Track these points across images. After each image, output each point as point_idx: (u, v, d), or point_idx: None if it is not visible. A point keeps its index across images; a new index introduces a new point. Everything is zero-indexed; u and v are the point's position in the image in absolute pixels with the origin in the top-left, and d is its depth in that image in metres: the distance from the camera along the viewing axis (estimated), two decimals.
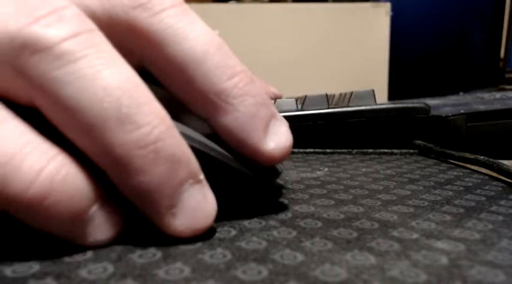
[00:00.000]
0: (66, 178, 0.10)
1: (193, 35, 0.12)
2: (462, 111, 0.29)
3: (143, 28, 0.12)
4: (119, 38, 0.12)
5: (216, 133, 0.13)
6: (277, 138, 0.13)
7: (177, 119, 0.12)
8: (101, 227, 0.11)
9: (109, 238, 0.11)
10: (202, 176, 0.11)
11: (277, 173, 0.14)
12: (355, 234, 0.12)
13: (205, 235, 0.11)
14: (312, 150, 0.29)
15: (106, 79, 0.10)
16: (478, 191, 0.17)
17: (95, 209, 0.10)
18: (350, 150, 0.28)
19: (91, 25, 0.11)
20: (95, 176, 0.11)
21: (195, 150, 0.11)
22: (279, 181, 0.19)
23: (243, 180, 0.13)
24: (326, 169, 0.22)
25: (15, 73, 0.10)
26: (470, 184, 0.18)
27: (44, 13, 0.10)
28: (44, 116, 0.10)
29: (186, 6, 0.12)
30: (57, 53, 0.10)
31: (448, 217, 0.13)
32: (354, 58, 0.93)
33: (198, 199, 0.11)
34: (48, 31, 0.10)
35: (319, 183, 0.18)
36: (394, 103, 0.30)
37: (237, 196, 0.14)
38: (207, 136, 0.13)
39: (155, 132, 0.10)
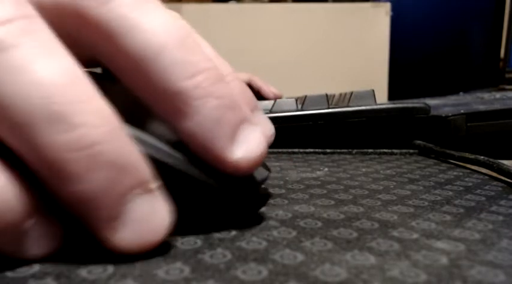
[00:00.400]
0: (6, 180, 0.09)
1: (148, 26, 0.11)
2: (462, 111, 0.29)
3: (92, 18, 0.10)
4: (67, 29, 0.11)
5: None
6: (245, 146, 0.11)
7: (142, 123, 0.11)
8: (38, 241, 0.10)
9: (47, 253, 0.10)
10: (153, 185, 0.10)
11: (255, 183, 0.13)
12: (355, 234, 0.12)
13: (205, 234, 0.11)
14: (312, 150, 0.29)
15: (38, 73, 0.09)
16: (478, 191, 0.17)
17: (31, 223, 0.09)
18: (350, 150, 0.28)
19: (28, 10, 0.10)
20: (33, 184, 0.09)
21: (151, 157, 0.10)
22: (279, 181, 0.19)
23: (208, 191, 0.12)
24: (326, 169, 0.22)
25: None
26: (470, 184, 0.18)
27: None
28: None
29: None
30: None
31: (448, 217, 0.13)
32: (354, 58, 0.93)
33: (146, 210, 0.10)
34: None
35: (319, 183, 0.18)
36: (394, 103, 0.30)
37: (204, 208, 0.12)
38: (176, 142, 0.11)
39: (93, 134, 0.09)
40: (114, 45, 0.11)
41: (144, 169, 0.10)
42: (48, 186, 0.09)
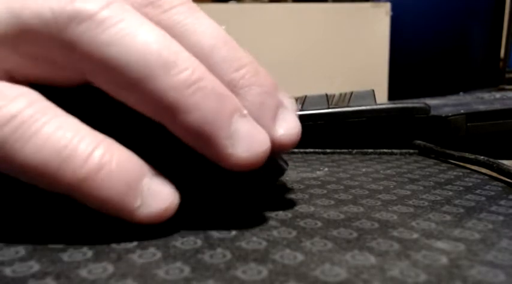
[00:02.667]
0: (115, 154, 0.11)
1: (200, 30, 0.13)
2: (462, 111, 0.29)
3: (158, 24, 0.12)
4: None
5: None
6: (286, 125, 0.13)
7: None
8: (156, 196, 0.11)
9: (165, 208, 0.11)
10: (246, 111, 0.12)
11: (282, 171, 0.14)
12: (355, 234, 0.12)
13: (205, 234, 0.11)
14: (312, 150, 0.29)
15: (144, 36, 0.11)
16: (478, 191, 0.17)
17: (147, 179, 0.11)
18: (350, 150, 0.28)
19: None
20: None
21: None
22: (279, 180, 0.19)
23: (247, 180, 0.13)
24: (326, 169, 0.22)
25: (64, 48, 0.11)
26: (470, 184, 0.18)
27: None
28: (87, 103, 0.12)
29: (193, 4, 0.13)
30: (99, 19, 0.11)
31: (448, 217, 0.13)
32: (354, 58, 0.93)
33: (250, 128, 0.12)
34: (88, 4, 0.11)
35: (319, 183, 0.18)
36: (394, 103, 0.30)
37: (228, 193, 0.14)
38: None
39: (196, 72, 0.11)
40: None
41: (234, 98, 0.12)
42: (170, 125, 0.11)
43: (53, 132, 0.10)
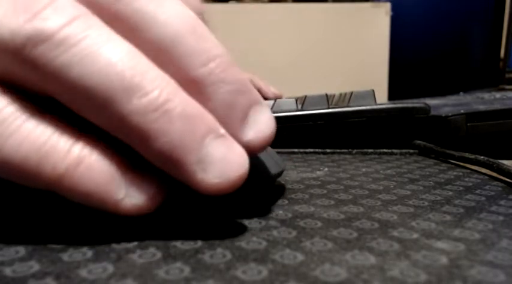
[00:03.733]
0: (94, 148, 0.11)
1: (163, 18, 0.11)
2: (462, 111, 0.29)
3: (116, 15, 0.11)
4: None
5: None
6: (256, 127, 0.12)
7: None
8: (139, 187, 0.11)
9: (149, 198, 0.11)
10: (223, 131, 0.11)
11: (271, 177, 0.14)
12: (355, 234, 0.12)
13: (205, 234, 0.11)
14: (312, 150, 0.29)
15: (107, 55, 0.10)
16: (478, 191, 0.17)
17: (130, 172, 0.11)
18: (350, 150, 0.28)
19: (84, 9, 0.11)
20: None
21: None
22: (279, 180, 0.19)
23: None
24: (326, 169, 0.22)
25: (25, 68, 0.10)
26: (470, 184, 0.18)
27: (39, 7, 0.10)
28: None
29: None
30: (59, 40, 0.10)
31: (448, 217, 0.13)
32: (354, 58, 0.93)
33: (224, 151, 0.11)
34: (48, 22, 0.10)
35: (319, 183, 0.18)
36: (394, 103, 0.30)
37: (220, 199, 0.13)
38: None
39: (164, 94, 0.10)
40: (134, 39, 0.11)
41: (210, 117, 0.11)
42: (138, 149, 0.11)
43: (32, 129, 0.10)
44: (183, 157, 0.10)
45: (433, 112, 0.30)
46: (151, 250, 0.10)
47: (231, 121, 0.12)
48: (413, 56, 1.03)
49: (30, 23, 0.10)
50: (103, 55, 0.10)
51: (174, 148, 0.10)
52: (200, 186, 0.11)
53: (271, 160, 0.15)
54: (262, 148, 0.12)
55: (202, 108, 0.11)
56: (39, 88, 0.11)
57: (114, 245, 0.11)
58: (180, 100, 0.11)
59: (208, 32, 0.12)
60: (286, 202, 0.15)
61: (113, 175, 0.11)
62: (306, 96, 0.32)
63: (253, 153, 0.12)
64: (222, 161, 0.11)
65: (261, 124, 0.12)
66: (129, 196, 0.11)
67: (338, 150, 0.28)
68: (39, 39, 0.10)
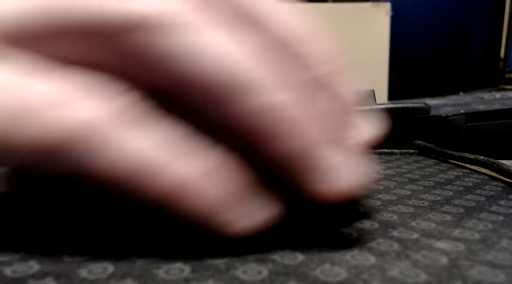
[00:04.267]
0: (209, 164, 0.10)
1: (282, 17, 0.11)
2: (462, 111, 0.29)
3: (233, 11, 0.11)
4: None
5: None
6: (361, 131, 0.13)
7: None
8: (258, 207, 0.10)
9: (255, 224, 0.10)
10: (339, 138, 0.11)
11: None
12: (355, 234, 0.11)
13: (205, 234, 0.11)
14: None
15: (225, 49, 0.09)
16: (478, 191, 0.17)
17: (250, 189, 0.10)
18: None
19: (201, 1, 0.10)
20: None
21: None
22: None
23: None
24: None
25: (125, 55, 0.10)
26: (470, 184, 0.18)
27: None
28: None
29: None
30: (175, 25, 0.09)
31: (448, 217, 0.13)
32: (353, 58, 0.93)
33: (342, 160, 0.10)
34: (159, 8, 0.09)
35: None
36: (394, 103, 0.30)
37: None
38: None
39: (289, 96, 0.10)
40: (254, 34, 0.11)
41: (332, 124, 0.11)
42: (251, 148, 0.10)
43: (146, 143, 0.09)
44: (303, 165, 0.10)
45: (433, 112, 0.30)
46: (152, 250, 0.10)
47: (345, 126, 0.11)
48: (413, 56, 1.03)
49: (140, 8, 0.09)
50: (221, 48, 0.09)
51: (296, 153, 0.10)
52: (318, 194, 0.10)
53: None
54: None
55: (324, 112, 0.10)
56: (139, 80, 0.10)
57: (114, 246, 0.11)
58: (306, 104, 0.10)
59: (322, 36, 0.12)
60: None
61: (227, 195, 0.10)
62: None
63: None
64: (343, 169, 0.10)
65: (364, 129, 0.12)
66: (241, 219, 0.10)
67: None
68: (150, 24, 0.09)
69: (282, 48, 0.11)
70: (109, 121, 0.09)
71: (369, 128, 0.12)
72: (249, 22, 0.11)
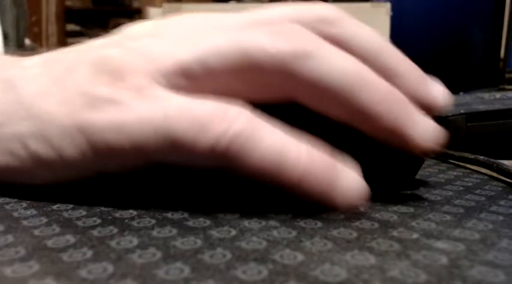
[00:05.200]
0: (314, 147, 0.13)
1: (372, 41, 0.16)
2: (462, 111, 0.29)
3: (333, 37, 0.16)
4: None
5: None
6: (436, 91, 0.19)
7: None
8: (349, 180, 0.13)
9: (359, 189, 0.13)
10: (421, 110, 0.15)
11: (422, 161, 0.17)
12: (355, 234, 0.12)
13: (205, 234, 0.11)
14: None
15: (342, 64, 0.14)
16: (478, 191, 0.17)
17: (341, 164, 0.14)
18: None
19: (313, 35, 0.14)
20: None
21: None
22: None
23: (392, 169, 0.17)
24: None
25: (283, 78, 0.13)
26: (470, 184, 0.18)
27: (290, 33, 0.14)
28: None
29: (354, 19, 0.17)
30: (313, 55, 0.13)
31: (448, 217, 0.13)
32: None
33: (428, 121, 0.15)
34: (304, 43, 0.14)
35: None
36: None
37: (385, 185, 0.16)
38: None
39: (386, 88, 0.14)
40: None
41: (412, 103, 0.15)
42: (365, 128, 0.14)
43: (272, 139, 0.13)
44: (404, 129, 0.14)
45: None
46: (151, 250, 0.10)
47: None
48: (413, 56, 1.02)
49: (293, 43, 0.14)
50: (343, 62, 0.14)
51: (397, 124, 0.14)
52: (417, 147, 0.14)
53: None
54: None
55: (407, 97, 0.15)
56: (286, 93, 0.14)
57: (114, 245, 0.11)
58: (396, 91, 0.14)
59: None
60: (286, 202, 0.15)
61: (334, 168, 0.13)
62: None
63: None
64: (428, 127, 0.14)
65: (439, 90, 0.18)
66: (346, 188, 0.13)
67: None
68: (302, 55, 0.13)
69: (379, 60, 0.15)
70: (258, 124, 0.13)
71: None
72: (348, 47, 0.15)
